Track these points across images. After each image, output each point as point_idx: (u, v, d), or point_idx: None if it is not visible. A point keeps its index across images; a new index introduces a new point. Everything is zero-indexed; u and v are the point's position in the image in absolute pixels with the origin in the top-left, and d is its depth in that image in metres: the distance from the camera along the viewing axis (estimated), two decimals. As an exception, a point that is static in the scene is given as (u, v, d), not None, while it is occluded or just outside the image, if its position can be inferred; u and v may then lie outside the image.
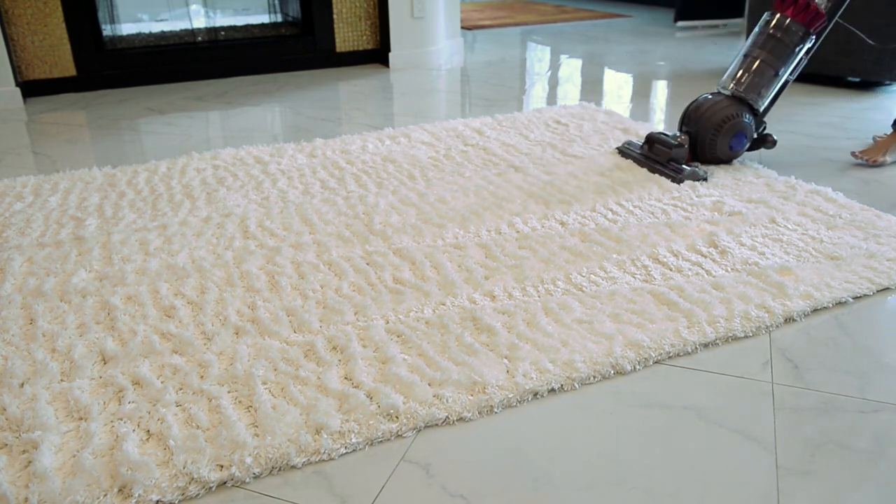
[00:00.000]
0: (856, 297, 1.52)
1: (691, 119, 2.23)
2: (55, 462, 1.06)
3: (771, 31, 2.12)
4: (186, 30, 3.85)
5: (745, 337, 1.40)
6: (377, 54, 4.01)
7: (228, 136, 2.72)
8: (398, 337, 1.37)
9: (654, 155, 2.23)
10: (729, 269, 1.61)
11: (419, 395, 1.19)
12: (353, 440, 1.11)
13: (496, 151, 2.43)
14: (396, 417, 1.16)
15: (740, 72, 2.18)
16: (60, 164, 2.42)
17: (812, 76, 3.47)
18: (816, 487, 1.03)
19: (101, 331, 1.40)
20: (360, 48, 3.98)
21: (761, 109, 2.20)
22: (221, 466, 1.05)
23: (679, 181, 2.09)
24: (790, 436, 1.14)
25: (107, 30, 3.59)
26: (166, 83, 3.61)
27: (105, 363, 1.30)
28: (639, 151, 2.29)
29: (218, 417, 1.15)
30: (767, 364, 1.32)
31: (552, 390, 1.24)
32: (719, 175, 2.18)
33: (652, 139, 2.25)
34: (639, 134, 2.61)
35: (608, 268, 1.62)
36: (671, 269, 1.62)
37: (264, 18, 4.19)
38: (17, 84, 3.20)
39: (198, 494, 1.02)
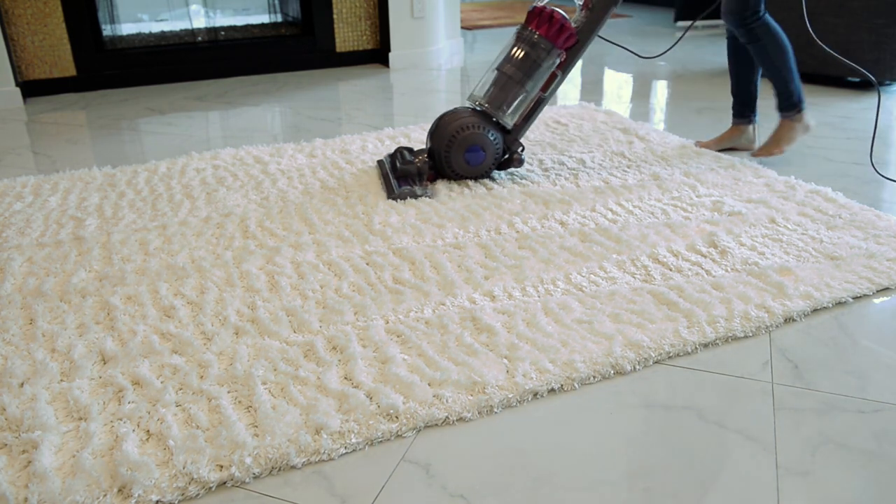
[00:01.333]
0: (856, 297, 1.52)
1: (433, 133, 2.12)
2: (55, 462, 1.06)
3: (519, 46, 2.03)
4: (186, 30, 3.85)
5: (745, 337, 1.40)
6: (377, 54, 4.01)
7: (228, 136, 2.72)
8: (398, 337, 1.37)
9: (394, 170, 2.12)
10: (729, 269, 1.61)
11: (419, 395, 1.19)
12: (353, 440, 1.11)
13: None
14: (396, 417, 1.15)
15: (486, 85, 2.08)
16: (60, 164, 2.42)
17: (812, 76, 3.47)
18: (816, 487, 1.03)
19: (100, 331, 1.40)
20: (360, 48, 3.98)
21: (510, 125, 2.09)
22: (221, 466, 1.05)
23: (393, 198, 1.99)
24: (790, 436, 1.14)
25: (107, 30, 3.59)
26: (166, 83, 3.61)
27: (105, 363, 1.30)
28: (389, 165, 2.18)
29: (218, 417, 1.14)
30: (767, 364, 1.32)
31: (552, 390, 1.24)
32: (719, 175, 2.18)
33: (396, 153, 2.17)
34: (638, 134, 2.61)
35: (608, 268, 1.62)
36: (671, 269, 1.62)
37: (264, 18, 4.19)
38: (17, 84, 3.20)
39: (198, 494, 1.02)
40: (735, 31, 2.21)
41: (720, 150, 2.41)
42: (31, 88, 3.34)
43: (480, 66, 4.00)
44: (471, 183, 2.12)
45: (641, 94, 3.32)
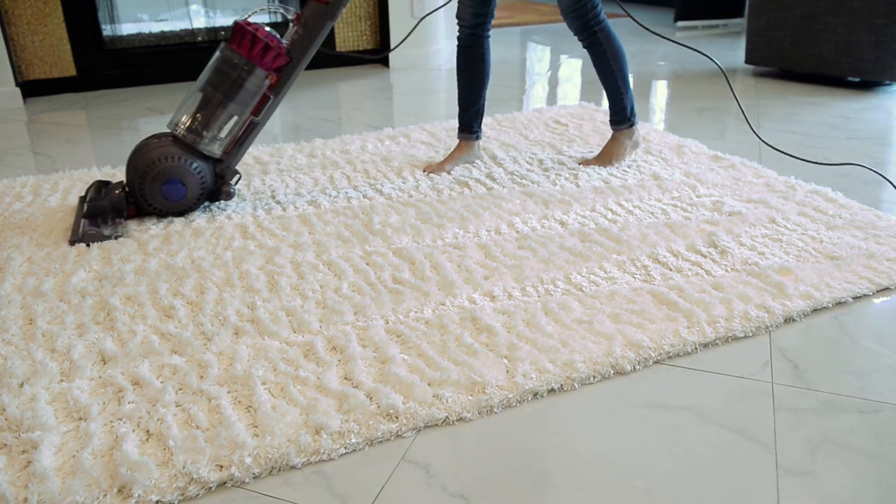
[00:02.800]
0: (856, 297, 1.52)
1: (128, 165, 1.89)
2: (55, 462, 1.06)
3: (221, 67, 1.85)
4: (186, 30, 3.85)
5: (745, 337, 1.40)
6: (377, 54, 4.01)
7: (228, 136, 2.72)
8: (398, 337, 1.37)
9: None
10: (729, 269, 1.61)
11: (419, 395, 1.19)
12: (353, 440, 1.11)
13: (495, 153, 2.43)
14: (396, 417, 1.15)
15: (188, 111, 1.88)
16: (60, 164, 2.42)
17: (812, 76, 3.47)
18: (816, 487, 1.03)
19: (100, 331, 1.39)
20: (360, 48, 3.98)
21: (217, 154, 1.90)
22: (221, 466, 1.05)
23: (75, 241, 1.75)
24: (790, 436, 1.14)
25: (107, 30, 3.59)
26: (166, 83, 3.61)
27: (104, 363, 1.30)
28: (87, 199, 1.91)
29: (217, 417, 1.14)
30: (767, 364, 1.32)
31: (552, 390, 1.24)
32: (719, 175, 2.18)
33: (93, 187, 1.93)
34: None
35: (608, 268, 1.62)
36: (671, 269, 1.62)
37: (264, 18, 4.19)
38: (17, 84, 3.20)
39: (197, 495, 1.02)
40: (577, 33, 2.12)
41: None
42: (31, 88, 3.34)
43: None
44: (471, 183, 2.12)
45: (641, 94, 3.32)
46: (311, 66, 3.88)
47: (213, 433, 1.11)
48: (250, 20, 1.87)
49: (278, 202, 2.02)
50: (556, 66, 4.03)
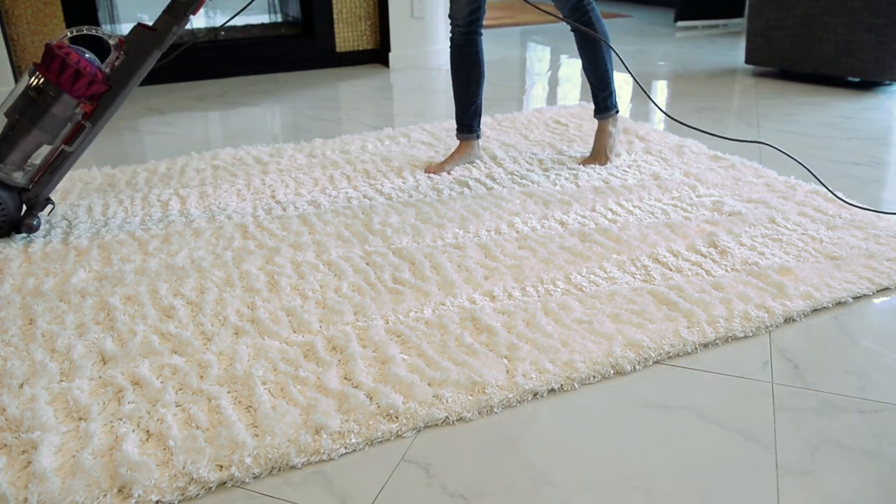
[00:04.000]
0: (856, 297, 1.52)
1: None
2: (55, 462, 1.06)
3: (27, 92, 1.73)
4: (186, 30, 3.85)
5: (745, 337, 1.40)
6: (377, 54, 4.01)
7: (228, 136, 2.72)
8: (398, 337, 1.37)
9: None
10: (729, 269, 1.61)
11: (419, 395, 1.19)
12: (353, 440, 1.11)
13: (495, 152, 2.43)
14: (396, 417, 1.15)
15: None
16: (60, 164, 2.42)
17: (812, 76, 3.47)
18: (816, 487, 1.03)
19: (100, 331, 1.39)
20: (360, 48, 3.98)
21: (23, 182, 1.77)
22: (221, 466, 1.05)
23: None
24: (790, 436, 1.14)
25: (107, 30, 3.59)
26: (166, 83, 3.61)
27: (104, 363, 1.30)
28: None
29: (217, 418, 1.14)
30: (767, 364, 1.32)
31: (552, 390, 1.24)
32: (719, 175, 2.18)
33: None
34: (638, 134, 2.60)
35: (608, 268, 1.62)
36: (671, 269, 1.62)
37: (264, 18, 4.19)
38: (17, 84, 3.20)
39: (198, 495, 1.02)
40: (569, 14, 2.13)
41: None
42: (31, 88, 3.34)
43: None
44: (471, 183, 2.12)
45: (641, 94, 3.32)
46: (311, 66, 3.88)
47: (213, 433, 1.11)
48: (65, 42, 1.74)
49: (278, 202, 2.02)
50: (556, 66, 4.03)
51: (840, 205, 1.95)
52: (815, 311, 1.48)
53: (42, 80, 1.71)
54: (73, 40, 1.65)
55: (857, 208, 1.92)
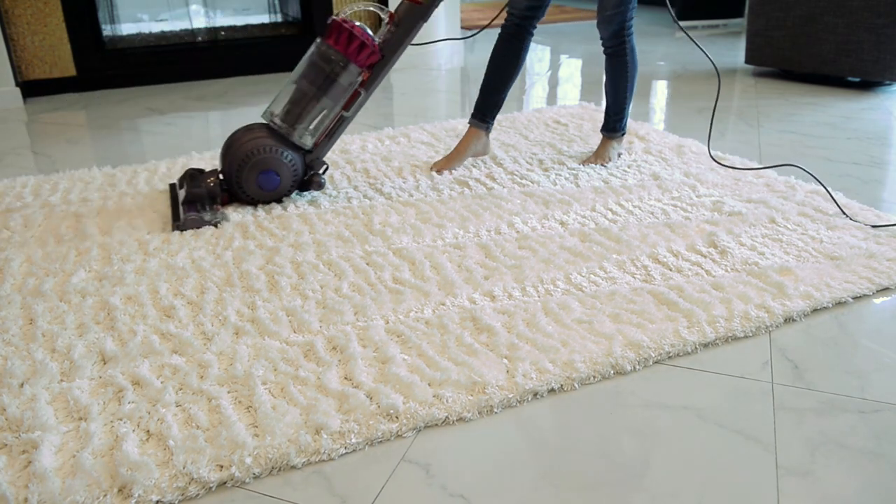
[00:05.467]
0: (856, 297, 1.52)
1: (225, 153, 1.97)
2: (55, 462, 1.06)
3: (316, 61, 1.92)
4: (186, 30, 3.85)
5: (745, 337, 1.40)
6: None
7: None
8: (398, 337, 1.37)
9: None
10: (729, 269, 1.61)
11: (419, 395, 1.19)
12: (353, 440, 1.11)
13: (495, 152, 2.43)
14: (396, 417, 1.15)
15: (284, 102, 1.95)
16: (60, 164, 2.42)
17: (812, 76, 3.47)
18: (816, 487, 1.03)
19: (100, 331, 1.39)
20: (360, 48, 3.97)
21: (309, 145, 1.98)
22: (221, 466, 1.05)
23: (175, 228, 1.82)
24: (790, 436, 1.14)
25: (107, 30, 3.59)
26: (166, 83, 3.61)
27: (105, 363, 1.30)
28: (181, 188, 2.01)
29: (218, 417, 1.14)
30: (767, 364, 1.32)
31: (552, 390, 1.24)
32: (719, 175, 2.18)
33: (186, 175, 1.98)
34: (638, 134, 2.61)
35: (608, 268, 1.62)
36: (671, 269, 1.62)
37: (264, 18, 4.19)
38: (17, 84, 3.20)
39: (198, 495, 1.02)
40: (608, 40, 2.16)
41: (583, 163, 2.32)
42: (31, 88, 3.34)
43: (480, 66, 3.99)
44: (471, 183, 2.12)
45: (641, 94, 3.32)
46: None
47: (213, 433, 1.11)
48: (340, 17, 1.94)
49: (278, 202, 2.02)
50: (556, 66, 4.03)
51: (840, 205, 1.95)
52: (815, 311, 1.48)
53: (332, 51, 1.90)
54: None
55: (860, 213, 1.91)
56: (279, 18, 4.21)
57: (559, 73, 3.85)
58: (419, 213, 1.92)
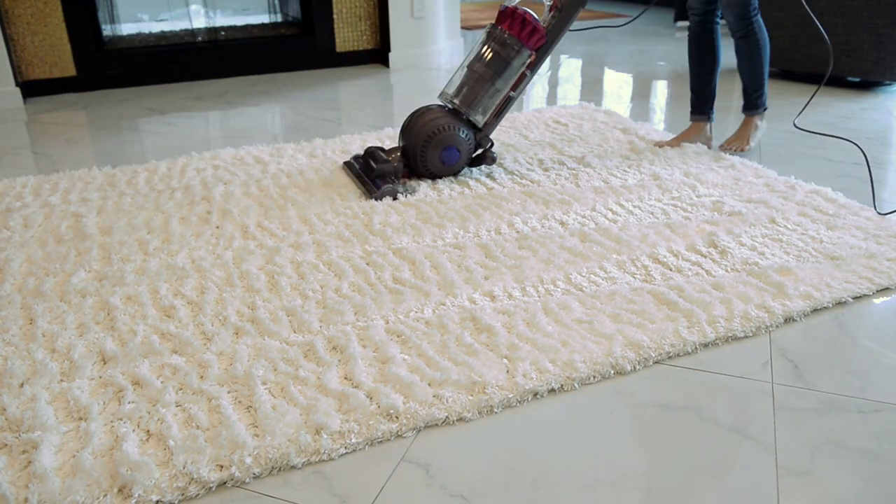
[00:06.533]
0: (856, 297, 1.52)
1: (407, 132, 2.13)
2: (55, 462, 1.06)
3: (490, 45, 2.07)
4: (186, 30, 3.85)
5: (745, 337, 1.40)
6: (377, 54, 4.01)
7: (228, 136, 2.72)
8: (398, 337, 1.37)
9: (369, 170, 2.11)
10: (729, 269, 1.61)
11: (419, 395, 1.19)
12: (353, 440, 1.11)
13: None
14: (396, 417, 1.15)
15: (459, 84, 2.12)
16: (60, 164, 2.42)
17: (812, 76, 3.47)
18: (816, 487, 1.03)
19: (100, 331, 1.39)
20: (360, 48, 3.98)
21: (481, 123, 2.14)
22: (221, 466, 1.05)
23: (375, 198, 1.99)
24: (790, 436, 1.14)
25: (107, 30, 3.59)
26: (166, 83, 3.61)
27: (105, 363, 1.30)
28: (358, 166, 2.19)
29: (218, 417, 1.14)
30: (767, 364, 1.32)
31: (552, 390, 1.24)
32: (719, 175, 2.18)
33: (368, 153, 2.14)
34: (638, 134, 2.61)
35: (608, 268, 1.62)
36: (671, 269, 1.62)
37: (264, 18, 4.19)
38: (17, 84, 3.20)
39: (198, 494, 1.02)
40: (734, 24, 2.25)
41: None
42: (31, 88, 3.34)
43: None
44: (471, 183, 2.12)
45: (641, 94, 3.32)
46: (311, 66, 3.88)
47: (213, 433, 1.11)
48: (512, 4, 2.08)
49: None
50: (556, 66, 4.03)
51: (840, 205, 1.95)
52: (815, 311, 1.48)
53: (507, 35, 2.04)
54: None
55: (861, 212, 1.91)
56: (279, 18, 4.21)
57: (559, 73, 3.85)
58: (419, 213, 1.92)
